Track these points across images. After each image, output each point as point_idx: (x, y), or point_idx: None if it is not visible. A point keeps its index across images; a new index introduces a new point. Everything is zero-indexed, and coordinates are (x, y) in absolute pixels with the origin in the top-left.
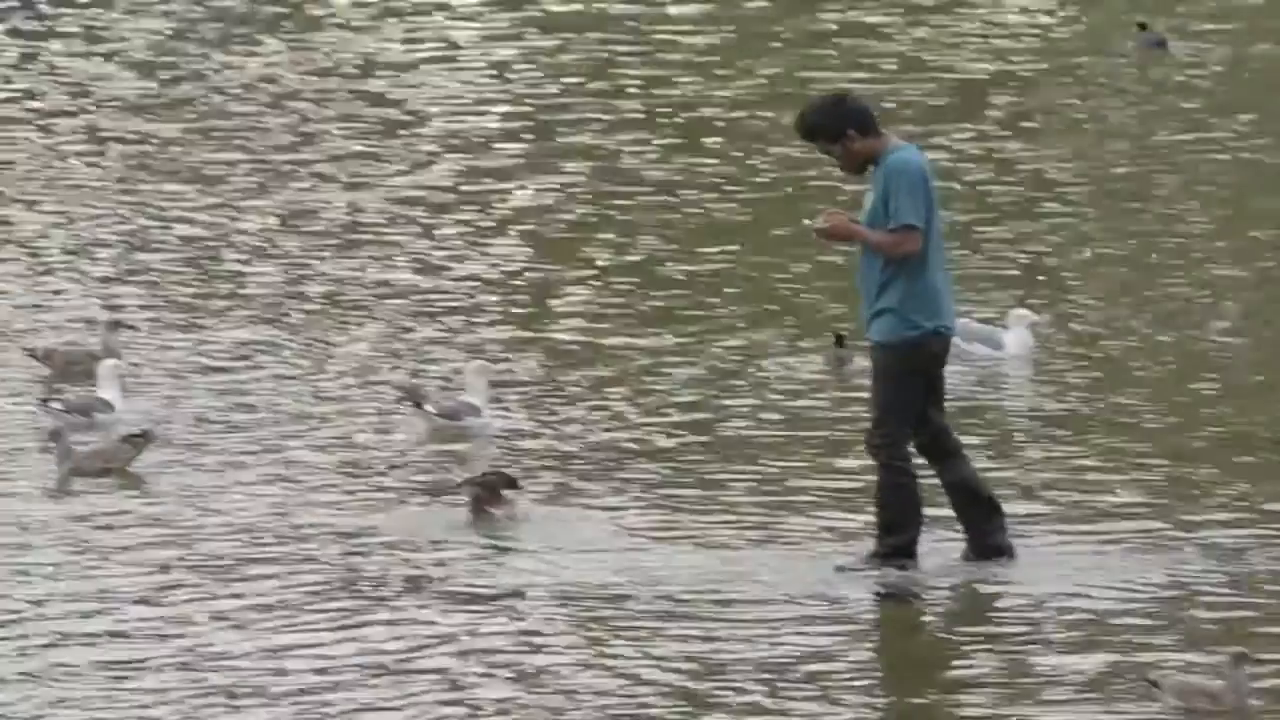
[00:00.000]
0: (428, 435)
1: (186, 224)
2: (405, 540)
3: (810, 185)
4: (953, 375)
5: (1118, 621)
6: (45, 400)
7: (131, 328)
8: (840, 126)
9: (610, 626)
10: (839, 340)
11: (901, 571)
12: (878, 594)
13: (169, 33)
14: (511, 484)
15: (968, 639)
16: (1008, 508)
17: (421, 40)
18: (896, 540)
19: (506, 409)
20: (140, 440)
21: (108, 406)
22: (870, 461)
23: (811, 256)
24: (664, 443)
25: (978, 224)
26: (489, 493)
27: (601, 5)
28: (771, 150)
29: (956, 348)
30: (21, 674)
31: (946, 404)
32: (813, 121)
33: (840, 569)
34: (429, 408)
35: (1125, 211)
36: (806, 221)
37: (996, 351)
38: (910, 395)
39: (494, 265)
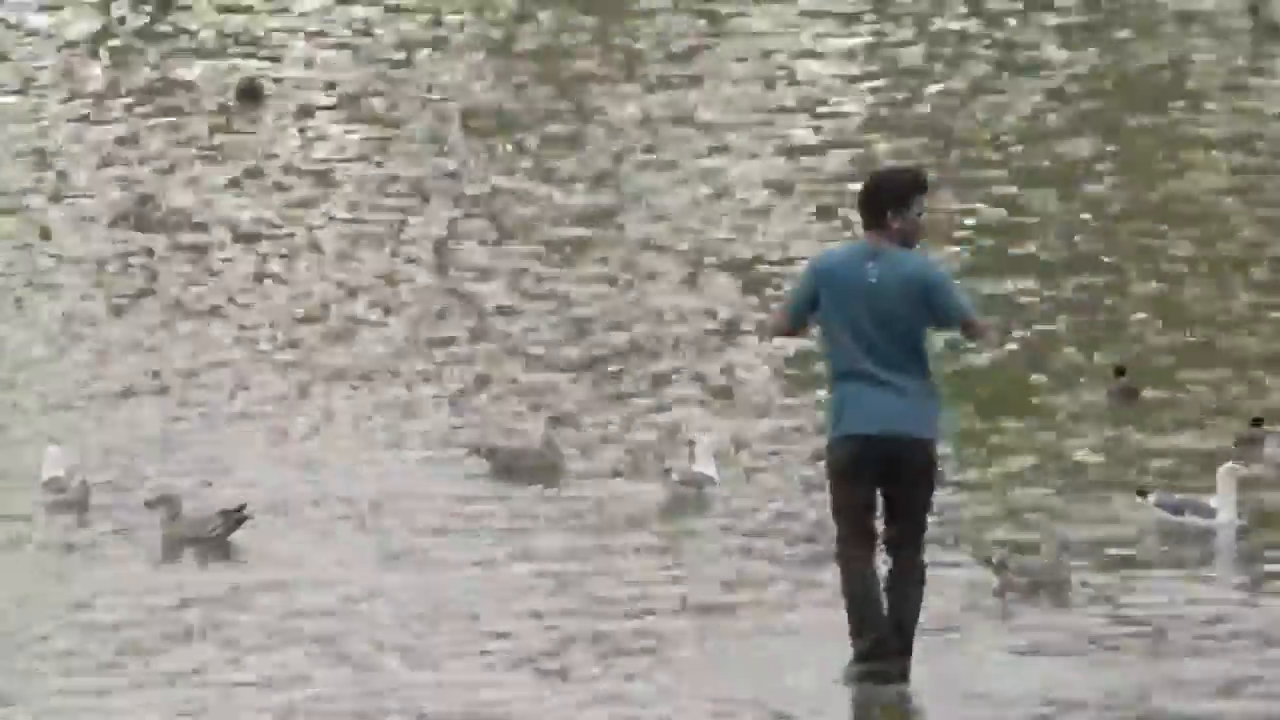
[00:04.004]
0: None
1: None
2: None
3: None
4: None
5: None
6: (668, 470)
7: (559, 421)
8: None
9: None
10: (1119, 372)
11: (893, 684)
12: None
13: None
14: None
15: None
16: None
17: None
18: (862, 645)
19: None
20: (234, 516)
21: (709, 481)
22: None
23: None
24: None
25: None
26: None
27: None
28: None
29: None
30: None
31: None
32: None
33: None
34: (1151, 497)
35: None
36: None
37: None
38: (841, 500)
39: None
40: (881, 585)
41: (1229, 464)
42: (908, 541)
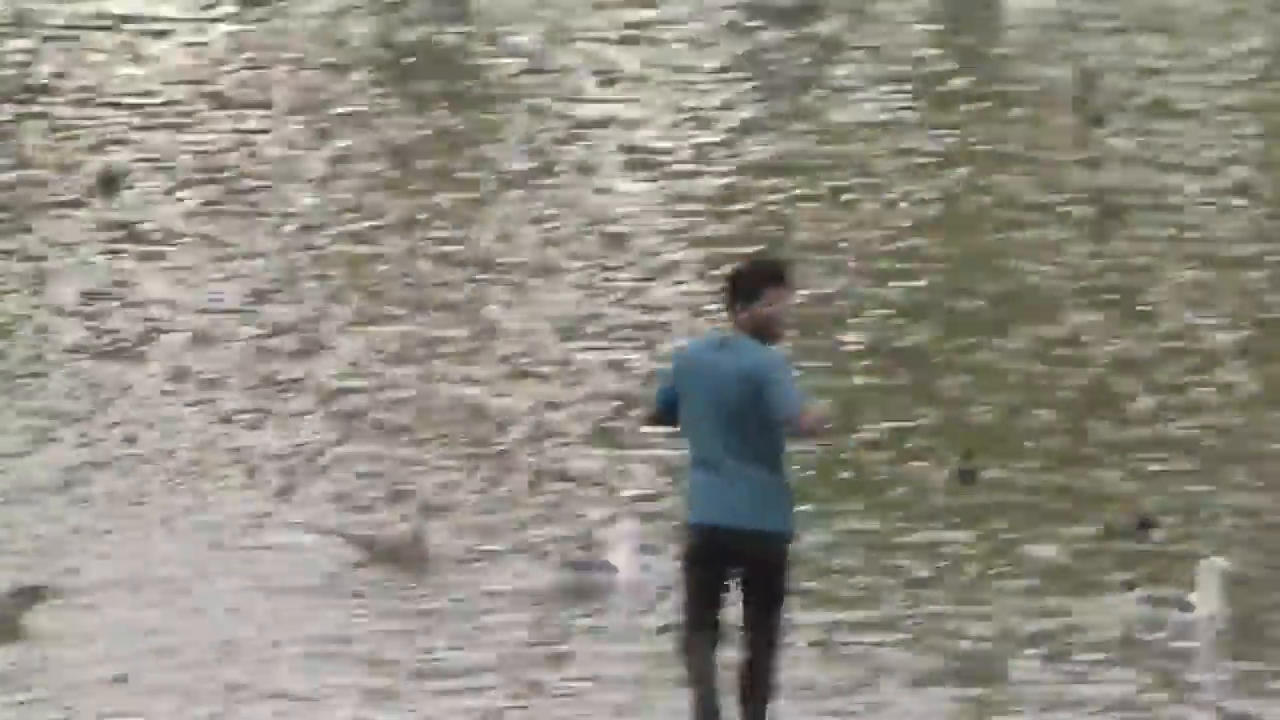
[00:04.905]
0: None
1: None
2: None
3: None
4: None
5: None
6: (549, 554)
7: (436, 509)
8: None
9: None
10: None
11: None
12: None
13: None
14: None
15: None
16: None
17: None
18: None
19: None
20: (25, 597)
21: (607, 568)
22: None
23: None
24: None
25: None
26: None
27: None
28: None
29: None
30: None
31: None
32: None
33: None
34: (1137, 592)
35: None
36: None
37: None
38: (687, 589)
39: None
40: (736, 676)
41: (1210, 558)
42: (759, 653)
